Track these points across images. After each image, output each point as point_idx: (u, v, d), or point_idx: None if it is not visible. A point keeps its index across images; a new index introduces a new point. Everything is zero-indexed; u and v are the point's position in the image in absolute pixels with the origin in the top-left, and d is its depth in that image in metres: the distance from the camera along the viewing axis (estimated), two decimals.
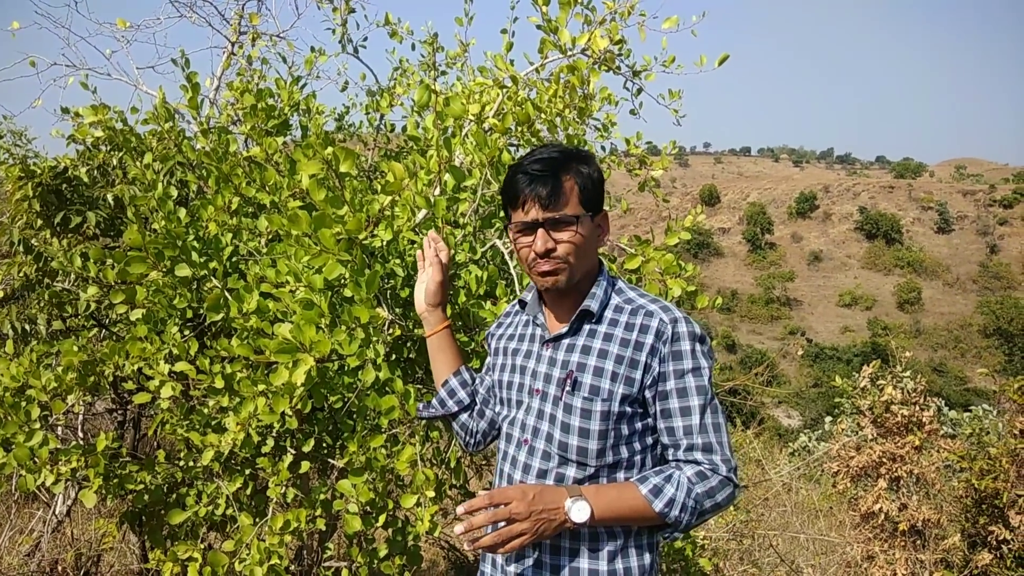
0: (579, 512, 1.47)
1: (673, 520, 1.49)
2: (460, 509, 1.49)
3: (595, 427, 1.56)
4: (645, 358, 1.56)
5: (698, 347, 1.57)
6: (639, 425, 1.60)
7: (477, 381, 1.94)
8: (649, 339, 1.57)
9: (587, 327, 1.64)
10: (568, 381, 1.60)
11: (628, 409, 1.57)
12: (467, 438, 1.93)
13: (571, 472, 1.60)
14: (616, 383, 1.56)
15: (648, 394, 1.58)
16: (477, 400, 1.91)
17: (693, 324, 1.59)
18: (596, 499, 1.50)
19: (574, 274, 1.64)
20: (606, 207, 1.73)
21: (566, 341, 1.65)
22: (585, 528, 1.52)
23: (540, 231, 1.61)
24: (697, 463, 1.53)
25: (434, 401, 1.94)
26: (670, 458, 1.59)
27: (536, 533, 1.46)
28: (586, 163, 1.64)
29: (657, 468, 1.56)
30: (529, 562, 1.61)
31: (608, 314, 1.64)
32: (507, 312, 1.92)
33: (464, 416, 1.91)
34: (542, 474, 1.63)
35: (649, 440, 1.62)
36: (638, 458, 1.61)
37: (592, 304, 1.63)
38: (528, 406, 1.69)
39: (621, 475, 1.60)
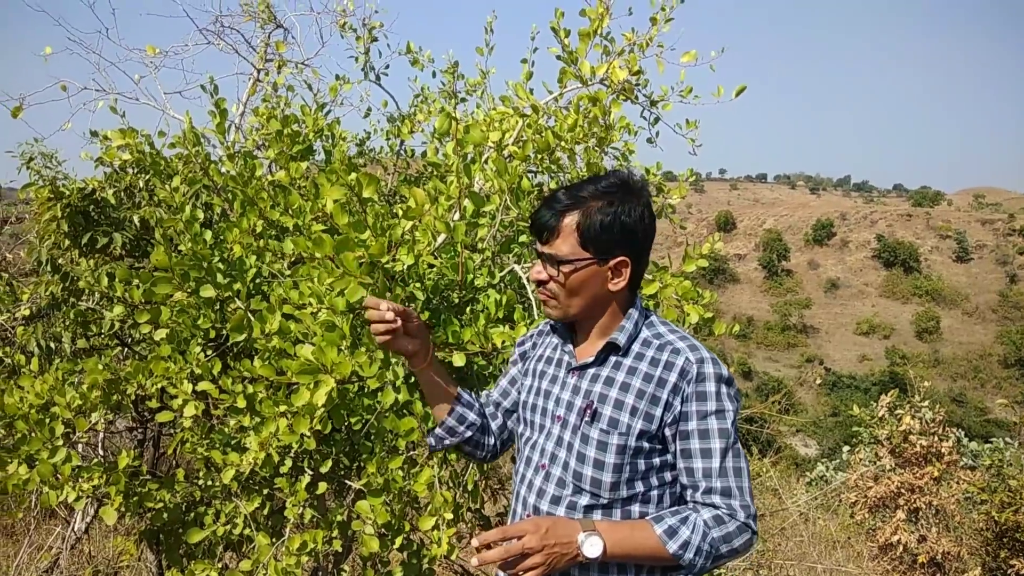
0: (591, 547, 1.47)
1: (687, 563, 1.48)
2: (475, 542, 1.50)
3: (610, 460, 1.56)
4: (667, 396, 1.55)
5: (724, 389, 1.56)
6: (657, 461, 1.59)
7: (481, 398, 1.95)
8: (673, 377, 1.55)
9: (613, 359, 1.64)
10: (588, 411, 1.61)
11: (645, 444, 1.56)
12: (481, 454, 1.94)
13: (584, 501, 1.60)
14: (635, 418, 1.55)
15: (668, 432, 1.56)
16: (489, 419, 1.93)
17: (720, 366, 1.57)
18: (609, 535, 1.49)
19: (567, 311, 1.66)
20: (628, 255, 1.61)
21: (591, 371, 1.66)
22: (596, 561, 1.51)
23: (539, 261, 1.67)
24: (715, 507, 1.52)
25: (439, 431, 1.89)
26: (688, 499, 1.58)
27: (549, 566, 1.47)
28: (610, 203, 1.57)
29: (673, 508, 1.56)
30: None
31: (635, 348, 1.63)
32: (540, 330, 1.91)
33: (476, 436, 1.91)
34: (555, 500, 1.63)
35: (668, 476, 1.61)
36: (655, 493, 1.60)
37: (619, 337, 1.62)
38: (549, 432, 1.70)
39: (636, 508, 1.59)
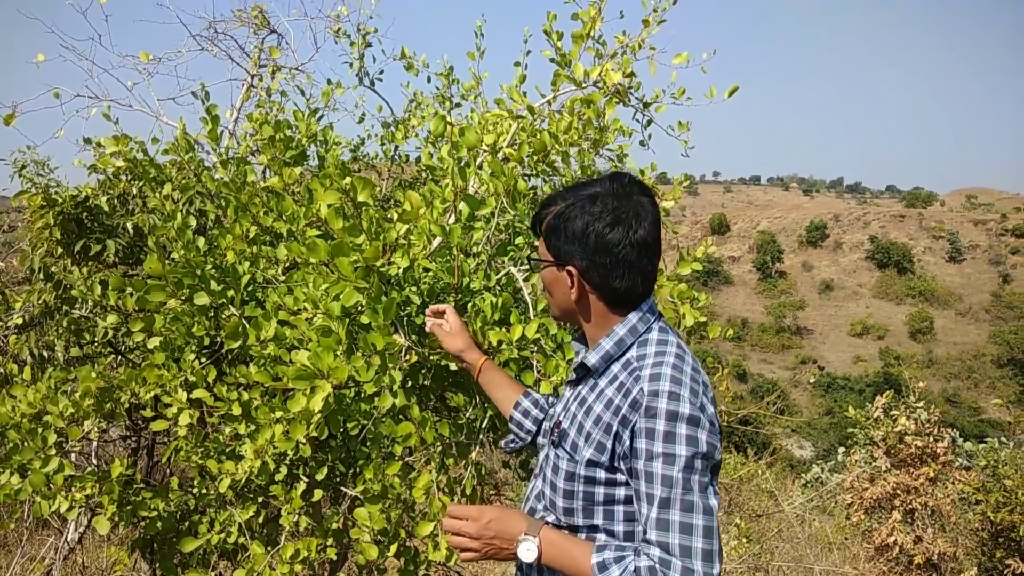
0: (526, 552, 1.46)
1: None
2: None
3: (560, 484, 1.53)
4: (617, 425, 1.42)
5: (680, 430, 1.35)
6: (622, 494, 1.48)
7: (548, 402, 1.93)
8: (625, 406, 1.42)
9: (592, 379, 1.57)
10: (556, 430, 1.59)
11: (601, 474, 1.46)
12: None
13: (551, 519, 1.58)
14: (588, 445, 1.47)
15: (624, 465, 1.44)
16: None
17: (681, 403, 1.37)
18: (547, 546, 1.45)
19: (553, 311, 1.67)
20: (576, 264, 1.52)
21: (579, 387, 1.62)
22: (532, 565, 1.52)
23: None
24: (650, 557, 1.34)
25: (509, 436, 1.98)
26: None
27: (485, 555, 1.51)
28: (568, 206, 1.52)
29: (621, 544, 1.43)
30: None
31: (614, 368, 1.52)
32: None
33: (541, 439, 1.86)
34: (532, 512, 1.64)
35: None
36: (620, 529, 1.49)
37: (591, 357, 1.55)
38: (542, 443, 1.72)
39: (603, 539, 1.50)
